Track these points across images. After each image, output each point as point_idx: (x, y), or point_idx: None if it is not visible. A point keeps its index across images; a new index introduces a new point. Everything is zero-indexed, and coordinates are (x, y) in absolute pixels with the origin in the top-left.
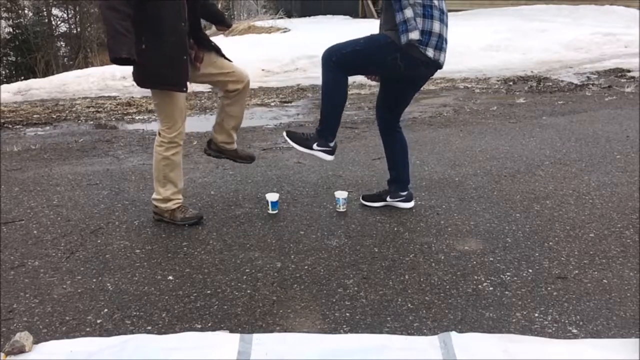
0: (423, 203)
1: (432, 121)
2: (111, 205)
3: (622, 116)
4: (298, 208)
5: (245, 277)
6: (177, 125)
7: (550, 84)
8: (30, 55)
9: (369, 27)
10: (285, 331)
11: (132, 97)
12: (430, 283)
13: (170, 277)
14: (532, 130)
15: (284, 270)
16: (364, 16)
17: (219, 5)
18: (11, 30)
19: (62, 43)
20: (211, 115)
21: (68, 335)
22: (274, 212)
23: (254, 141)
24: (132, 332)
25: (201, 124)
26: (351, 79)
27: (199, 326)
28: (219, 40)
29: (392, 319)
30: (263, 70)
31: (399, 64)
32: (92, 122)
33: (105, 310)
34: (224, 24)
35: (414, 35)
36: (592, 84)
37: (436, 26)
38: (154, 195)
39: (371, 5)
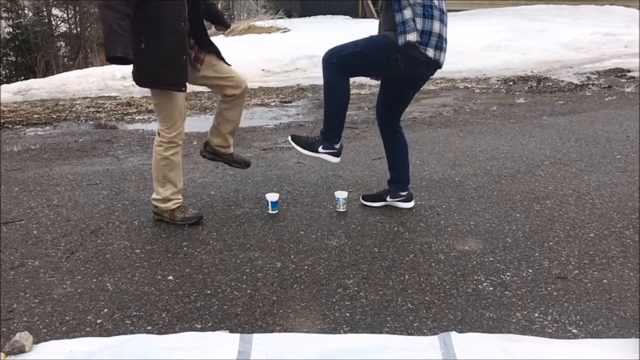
0: (423, 203)
1: (432, 121)
2: (111, 205)
3: (622, 116)
4: (298, 208)
5: (245, 277)
6: (176, 125)
7: (550, 84)
8: (30, 55)
9: (369, 27)
10: (285, 331)
11: (132, 97)
12: (430, 283)
13: (170, 277)
14: (532, 130)
15: (284, 270)
16: (364, 16)
17: (219, 6)
18: (11, 30)
19: (62, 43)
20: (211, 115)
21: (68, 335)
22: (274, 212)
23: (254, 141)
24: (132, 332)
25: (201, 124)
26: (351, 79)
27: (199, 326)
28: (219, 40)
29: (392, 319)
30: (263, 70)
31: (399, 65)
32: (92, 122)
33: (105, 310)
34: (223, 24)
35: (412, 37)
36: (592, 84)
37: (436, 26)
38: (154, 196)
39: (371, 5)
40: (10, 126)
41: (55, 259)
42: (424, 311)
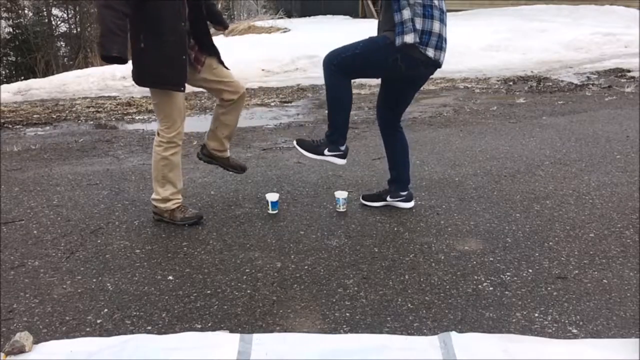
0: (423, 203)
1: (432, 121)
2: (111, 205)
3: (622, 116)
4: (298, 208)
5: (245, 277)
6: (176, 125)
7: (550, 84)
8: (30, 55)
9: (369, 27)
10: (285, 331)
11: (132, 97)
12: (430, 283)
13: (170, 277)
14: (532, 130)
15: (284, 270)
16: (364, 16)
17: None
18: (11, 30)
19: (62, 43)
20: (211, 115)
21: (68, 335)
22: (274, 212)
23: (254, 141)
24: (132, 332)
25: (201, 124)
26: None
27: (199, 326)
28: (218, 40)
29: (392, 319)
30: (263, 70)
31: (399, 65)
32: (92, 122)
33: (105, 310)
34: (221, 24)
35: (409, 38)
36: (592, 84)
37: (436, 26)
38: (153, 196)
39: (371, 5)
40: (10, 126)
41: (55, 259)
42: (424, 311)
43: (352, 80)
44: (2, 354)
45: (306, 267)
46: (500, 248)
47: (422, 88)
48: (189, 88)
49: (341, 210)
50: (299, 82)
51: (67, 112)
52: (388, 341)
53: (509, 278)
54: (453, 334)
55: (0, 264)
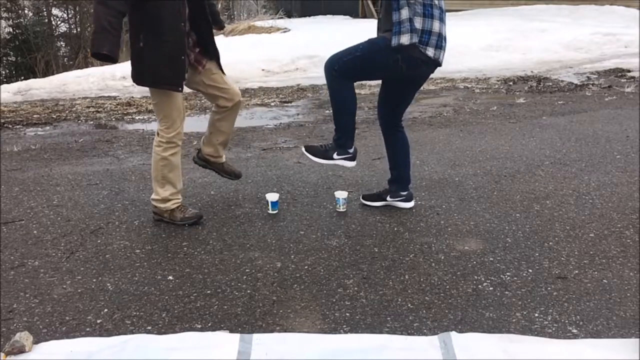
0: (423, 203)
1: (432, 121)
2: (111, 205)
3: (622, 116)
4: (298, 208)
5: (245, 277)
6: (175, 125)
7: (550, 84)
8: (30, 55)
9: (369, 27)
10: (285, 331)
11: (132, 97)
12: (430, 283)
13: (170, 277)
14: (532, 130)
15: (284, 270)
16: (364, 16)
17: (219, 6)
18: (11, 30)
19: (62, 43)
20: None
21: (68, 335)
22: (274, 212)
23: (254, 141)
24: (132, 332)
25: (201, 124)
26: None
27: (199, 326)
28: (219, 40)
29: (392, 319)
30: (263, 70)
31: (400, 65)
32: (92, 122)
33: (105, 310)
34: (218, 24)
35: (405, 39)
36: (592, 84)
37: (436, 25)
38: (153, 196)
39: (371, 5)
40: (10, 126)
41: (55, 259)
42: (424, 311)
43: None
44: (2, 354)
45: (306, 267)
46: (500, 248)
47: (422, 88)
48: (188, 89)
49: (341, 210)
50: (299, 82)
51: (67, 112)
52: (388, 341)
53: (509, 278)
54: (453, 334)
55: (0, 264)
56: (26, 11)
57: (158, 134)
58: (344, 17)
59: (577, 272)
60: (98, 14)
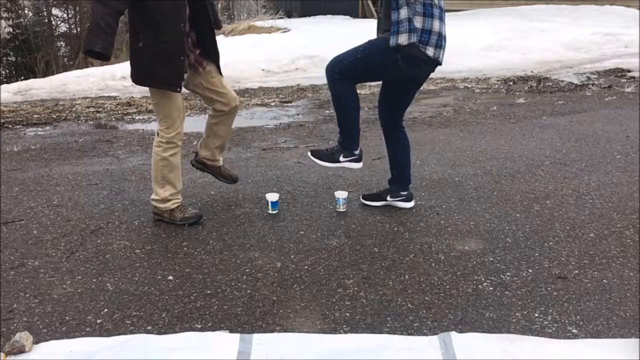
0: (423, 203)
1: (432, 121)
2: (111, 205)
3: (622, 116)
4: (298, 208)
5: (245, 277)
6: (175, 125)
7: (550, 84)
8: (30, 55)
9: (369, 27)
10: (285, 331)
11: (132, 97)
12: (430, 283)
13: (170, 277)
14: (532, 130)
15: (284, 270)
16: (364, 16)
17: (219, 5)
18: (11, 30)
19: (62, 43)
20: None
21: (68, 335)
22: (274, 212)
23: (254, 141)
24: (132, 332)
25: (201, 124)
26: None
27: (199, 326)
28: (219, 40)
29: (392, 319)
30: (263, 70)
31: (400, 65)
32: (92, 122)
33: (105, 310)
34: (216, 25)
35: (403, 39)
36: (592, 84)
37: (436, 25)
38: (153, 196)
39: (371, 5)
40: (10, 126)
41: (55, 259)
42: (424, 311)
43: None
44: (2, 354)
45: (306, 267)
46: (500, 248)
47: (422, 88)
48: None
49: (341, 210)
50: (299, 82)
51: (67, 112)
52: (388, 341)
53: (509, 278)
54: (453, 334)
55: (0, 264)
56: (26, 11)
57: (158, 134)
58: (344, 17)
59: (577, 272)
60: (94, 11)
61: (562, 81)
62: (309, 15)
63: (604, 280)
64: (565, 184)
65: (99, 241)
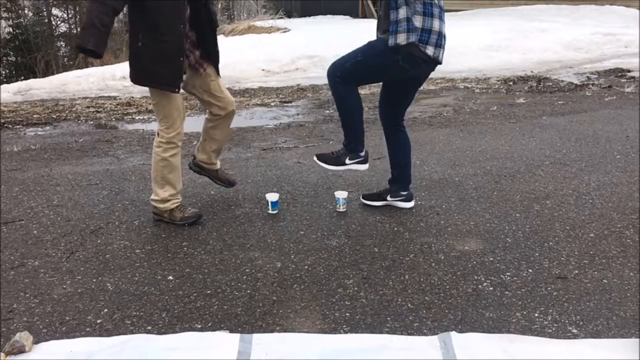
0: (423, 203)
1: (432, 121)
2: (111, 205)
3: (622, 116)
4: (298, 208)
5: (245, 277)
6: (175, 125)
7: (550, 84)
8: (30, 55)
9: (369, 27)
10: (285, 331)
11: (132, 97)
12: (430, 283)
13: (170, 277)
14: (532, 130)
15: (284, 270)
16: (364, 16)
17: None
18: (11, 30)
19: (62, 43)
20: None
21: (68, 335)
22: (274, 212)
23: (254, 141)
24: (132, 332)
25: (201, 124)
26: None
27: (199, 326)
28: (219, 40)
29: (392, 319)
30: (263, 70)
31: (401, 65)
32: (92, 122)
33: (105, 310)
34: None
35: (401, 38)
36: (592, 84)
37: (436, 24)
38: (152, 197)
39: (371, 5)
40: (10, 126)
41: (55, 259)
42: (424, 311)
43: None
44: (2, 354)
45: (306, 267)
46: (500, 248)
47: (422, 88)
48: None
49: (341, 210)
50: (299, 82)
51: (67, 112)
52: (388, 341)
53: (509, 278)
54: (453, 334)
55: (0, 264)
56: (26, 11)
57: (158, 134)
58: (344, 17)
59: (577, 272)
60: (91, 9)
61: (562, 81)
62: (309, 15)
63: (604, 280)
64: (565, 184)
65: (99, 241)
